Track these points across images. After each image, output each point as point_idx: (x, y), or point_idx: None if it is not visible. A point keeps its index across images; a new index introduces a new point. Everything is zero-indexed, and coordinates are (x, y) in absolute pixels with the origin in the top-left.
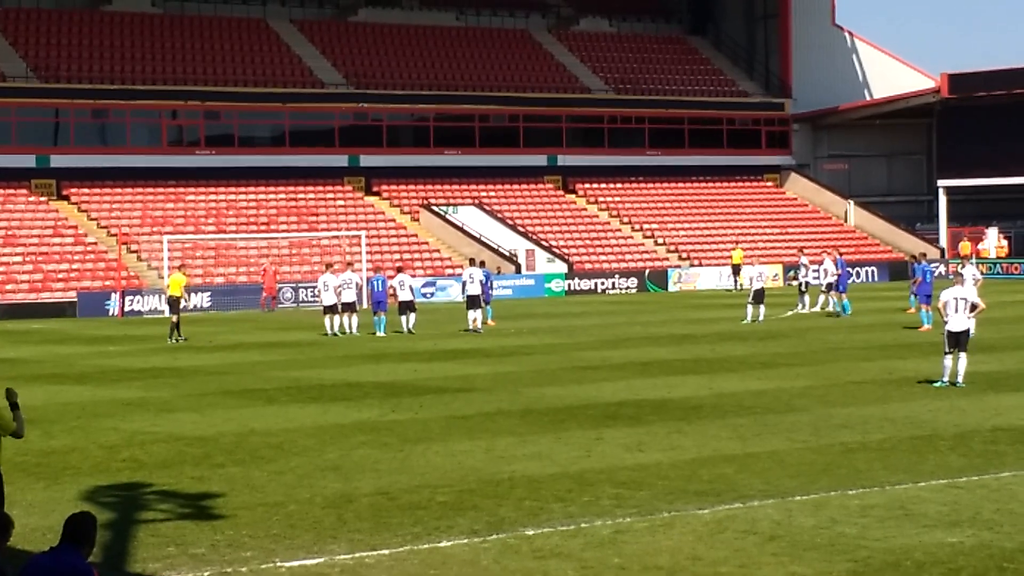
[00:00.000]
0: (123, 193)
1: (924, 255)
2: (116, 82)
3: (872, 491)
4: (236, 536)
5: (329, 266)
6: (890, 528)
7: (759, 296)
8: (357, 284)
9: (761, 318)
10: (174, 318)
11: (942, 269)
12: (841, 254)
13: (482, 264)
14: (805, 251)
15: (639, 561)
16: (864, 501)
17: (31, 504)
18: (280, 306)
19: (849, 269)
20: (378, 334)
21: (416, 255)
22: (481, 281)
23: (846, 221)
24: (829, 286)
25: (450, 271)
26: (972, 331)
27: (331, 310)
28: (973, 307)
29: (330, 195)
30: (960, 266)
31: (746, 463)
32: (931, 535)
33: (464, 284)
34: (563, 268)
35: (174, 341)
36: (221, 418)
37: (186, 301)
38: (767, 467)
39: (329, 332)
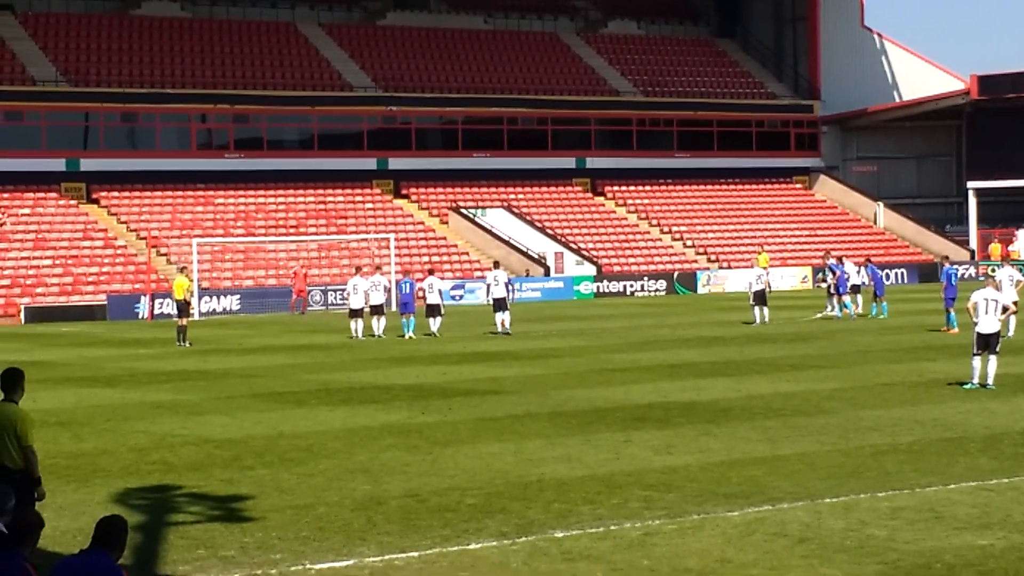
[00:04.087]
0: (152, 196)
1: (947, 258)
2: (145, 86)
3: (902, 493)
4: (266, 538)
5: (358, 269)
6: (920, 530)
7: (760, 297)
8: (385, 287)
9: (767, 319)
10: (182, 321)
11: (972, 271)
12: (840, 261)
13: (496, 265)
14: (832, 253)
15: (668, 563)
16: (894, 503)
17: (61, 506)
18: (309, 309)
19: (846, 274)
20: (407, 335)
21: (445, 258)
22: (506, 283)
23: (875, 223)
24: (832, 289)
25: (479, 274)
26: (1012, 332)
27: (357, 314)
28: (1004, 309)
29: (359, 198)
30: (991, 269)
31: (775, 465)
32: (961, 537)
33: (489, 287)
34: (592, 271)
35: (180, 345)
36: (250, 421)
37: (189, 297)
38: (796, 469)
39: (354, 335)
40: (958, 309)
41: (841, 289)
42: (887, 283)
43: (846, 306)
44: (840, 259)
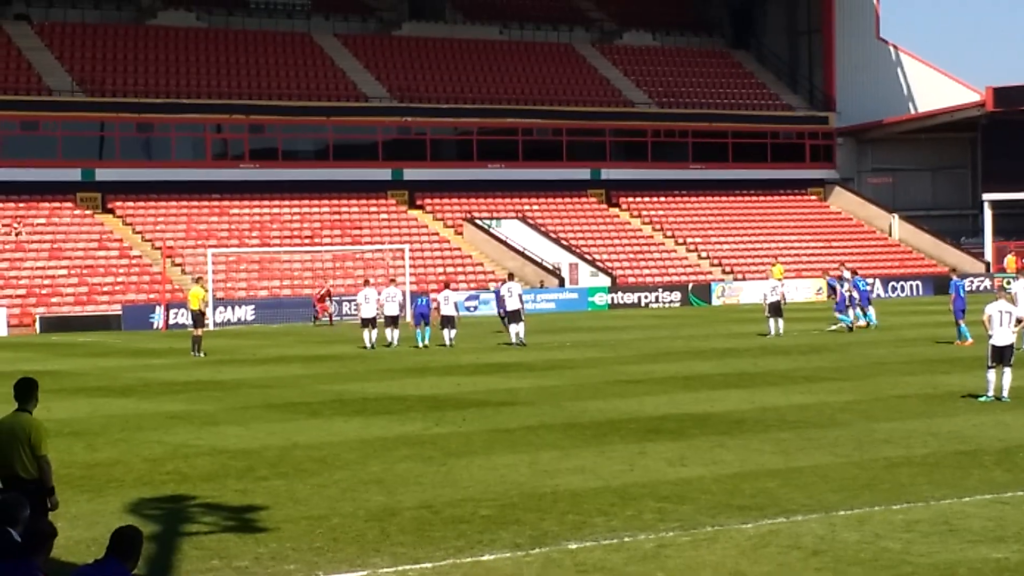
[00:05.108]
0: (168, 206)
1: (955, 270)
2: (161, 96)
3: (916, 506)
4: (280, 549)
5: (367, 282)
6: (934, 543)
7: (776, 309)
8: (400, 300)
9: (782, 331)
10: (196, 331)
11: (987, 283)
12: (849, 271)
13: (510, 277)
14: (846, 266)
15: None
16: (908, 516)
17: (75, 516)
18: (322, 320)
19: (845, 287)
20: (421, 345)
21: (459, 269)
22: (520, 295)
23: (890, 235)
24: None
25: (493, 285)
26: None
27: (369, 323)
28: (1018, 321)
29: (374, 208)
30: (1006, 282)
31: (789, 477)
32: (976, 551)
33: (503, 299)
34: (606, 282)
35: (195, 355)
36: (265, 431)
37: (204, 307)
38: (810, 481)
39: (367, 345)
40: (970, 321)
41: (851, 302)
42: (903, 296)
43: (859, 317)
44: (851, 271)
